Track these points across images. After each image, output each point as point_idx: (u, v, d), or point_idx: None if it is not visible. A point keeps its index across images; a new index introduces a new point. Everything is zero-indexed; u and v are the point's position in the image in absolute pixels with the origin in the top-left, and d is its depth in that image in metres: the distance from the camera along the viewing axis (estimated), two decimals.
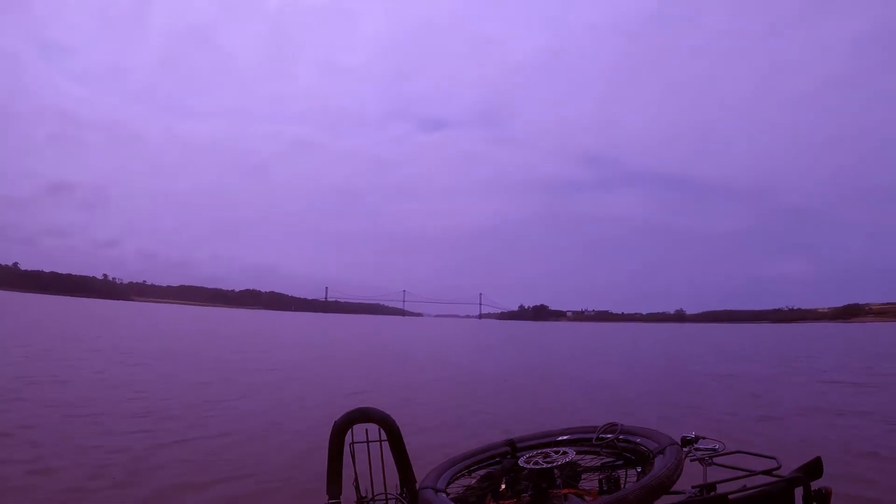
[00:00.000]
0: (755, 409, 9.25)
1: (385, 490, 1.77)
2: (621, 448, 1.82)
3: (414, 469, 1.82)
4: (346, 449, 1.72)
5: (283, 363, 15.92)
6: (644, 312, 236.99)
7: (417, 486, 1.78)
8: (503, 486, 1.76)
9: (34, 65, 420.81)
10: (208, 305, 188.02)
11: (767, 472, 1.45)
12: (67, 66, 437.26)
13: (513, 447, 2.02)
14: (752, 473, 1.46)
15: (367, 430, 1.77)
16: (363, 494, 1.76)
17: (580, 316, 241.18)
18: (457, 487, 1.87)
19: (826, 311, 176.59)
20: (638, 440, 1.78)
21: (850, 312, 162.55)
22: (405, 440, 1.80)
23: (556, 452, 1.75)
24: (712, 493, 1.42)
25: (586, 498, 1.59)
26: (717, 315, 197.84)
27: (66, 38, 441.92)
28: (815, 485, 1.36)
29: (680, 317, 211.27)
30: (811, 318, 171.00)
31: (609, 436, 1.86)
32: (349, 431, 1.73)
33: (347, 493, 1.69)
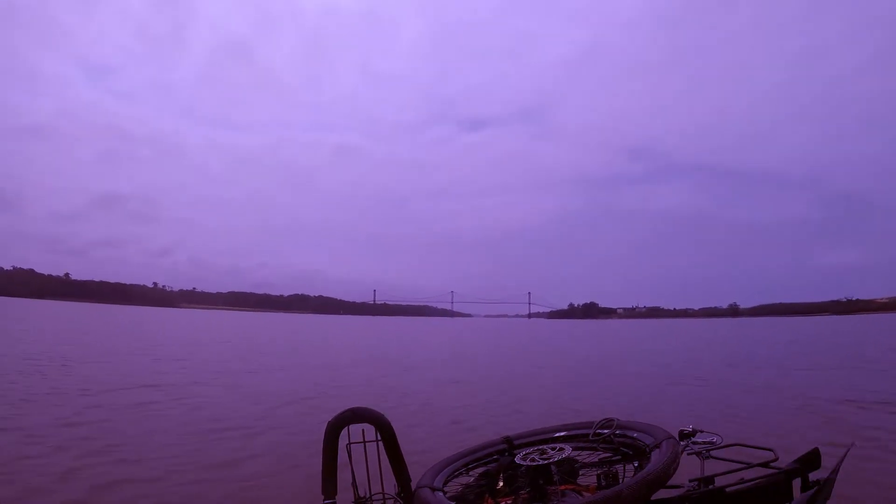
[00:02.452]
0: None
1: (382, 489, 1.78)
2: (618, 443, 1.81)
3: (412, 467, 1.82)
4: (342, 449, 1.71)
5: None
6: (696, 308, 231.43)
7: (415, 485, 1.77)
8: (501, 484, 1.75)
9: (81, 86, 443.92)
10: (257, 311, 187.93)
11: (765, 465, 1.44)
12: (113, 86, 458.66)
13: (510, 444, 2.01)
14: (750, 466, 1.45)
15: (363, 430, 1.75)
16: (361, 494, 1.76)
17: (631, 313, 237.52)
18: (454, 486, 1.86)
19: (886, 300, 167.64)
20: (635, 435, 1.77)
21: None
22: (399, 439, 1.78)
23: (553, 449, 1.75)
24: (710, 487, 1.41)
25: (584, 494, 1.58)
26: (772, 308, 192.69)
27: (109, 58, 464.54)
28: (813, 476, 1.35)
29: (734, 311, 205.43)
30: (870, 308, 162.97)
31: (606, 431, 1.85)
32: (344, 431, 1.72)
33: (342, 493, 1.68)
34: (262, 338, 29.07)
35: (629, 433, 1.79)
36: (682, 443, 1.67)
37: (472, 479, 1.89)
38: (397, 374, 13.39)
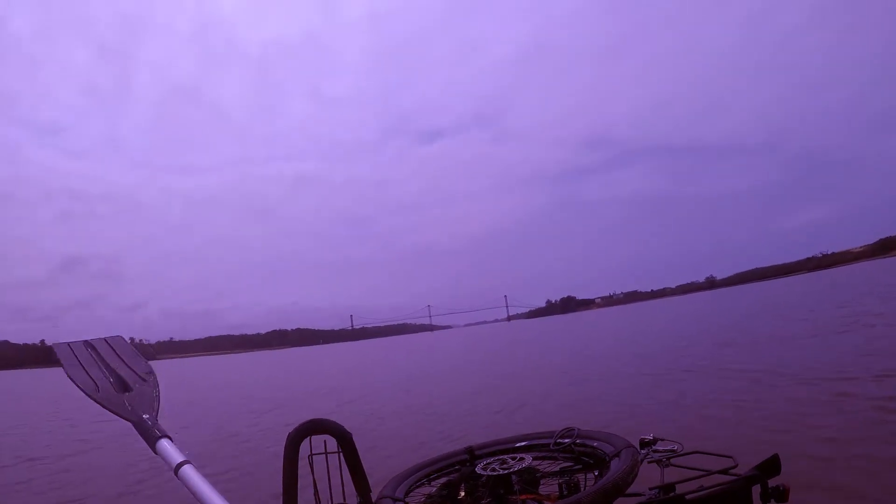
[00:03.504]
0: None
1: (344, 501, 1.71)
2: (578, 452, 1.82)
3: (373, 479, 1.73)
4: (304, 461, 1.66)
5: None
6: (673, 286, 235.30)
7: (376, 495, 1.75)
8: (462, 494, 1.73)
9: (32, 149, 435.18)
10: (237, 352, 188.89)
11: (724, 472, 1.45)
12: (64, 145, 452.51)
13: (471, 454, 1.99)
14: (710, 473, 1.45)
15: (325, 441, 1.69)
16: None
17: (609, 301, 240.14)
18: (416, 496, 1.85)
19: (860, 249, 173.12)
20: (595, 444, 1.78)
21: (886, 247, 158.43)
22: (359, 452, 1.71)
23: (514, 459, 1.75)
24: (670, 494, 1.42)
25: (545, 503, 1.55)
26: (749, 275, 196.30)
27: (57, 118, 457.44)
28: (772, 482, 1.36)
29: (711, 284, 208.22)
30: (846, 260, 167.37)
31: (566, 440, 1.86)
32: (306, 443, 1.66)
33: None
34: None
35: (589, 442, 1.81)
36: (642, 451, 1.68)
37: (433, 489, 1.86)
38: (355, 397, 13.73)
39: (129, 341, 1.75)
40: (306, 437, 1.66)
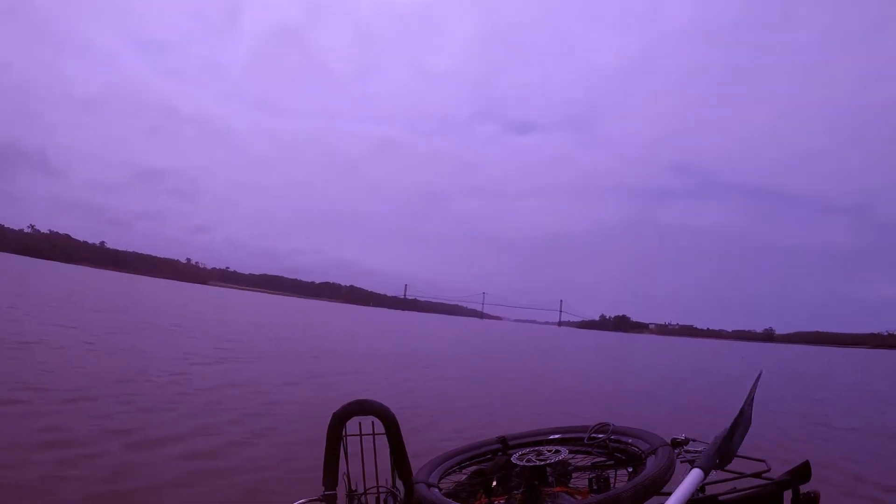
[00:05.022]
0: None
1: (377, 483, 1.77)
2: (612, 448, 1.80)
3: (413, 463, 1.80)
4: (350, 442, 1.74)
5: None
6: (729, 329, 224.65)
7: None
8: (495, 483, 1.74)
9: (133, 61, 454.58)
10: (287, 295, 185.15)
11: (757, 475, 1.47)
12: (164, 63, 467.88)
13: (504, 444, 2.00)
14: (742, 476, 1.47)
15: (359, 422, 1.76)
16: (353, 487, 1.76)
17: (663, 329, 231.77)
18: (449, 483, 1.86)
19: None
20: (629, 441, 1.77)
21: None
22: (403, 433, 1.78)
23: (550, 451, 1.72)
24: (701, 495, 1.43)
25: (577, 496, 1.57)
26: (809, 336, 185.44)
27: (163, 35, 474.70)
28: (803, 489, 1.37)
29: (768, 336, 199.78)
30: None
31: (601, 435, 1.85)
32: (348, 423, 1.72)
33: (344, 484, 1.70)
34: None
35: (624, 438, 1.78)
36: (675, 450, 1.66)
37: (465, 476, 1.87)
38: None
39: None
40: (352, 416, 1.70)
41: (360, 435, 1.77)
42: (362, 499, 1.75)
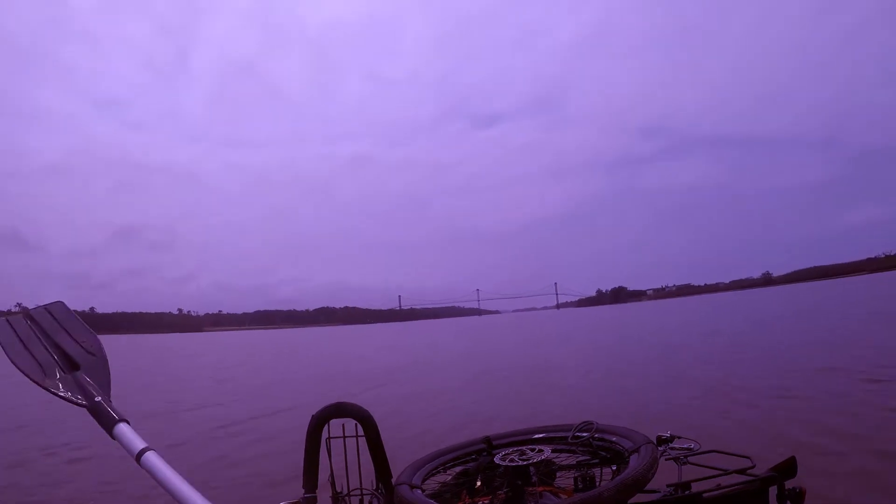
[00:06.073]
0: None
1: (361, 485, 1.78)
2: (596, 446, 1.81)
3: (392, 464, 1.79)
4: (323, 444, 1.70)
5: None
6: (727, 281, 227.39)
7: (394, 481, 1.75)
8: (479, 483, 1.75)
9: (92, 121, 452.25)
10: (284, 328, 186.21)
11: (741, 472, 1.44)
12: (123, 117, 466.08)
13: (489, 444, 2.00)
14: (727, 472, 1.45)
15: (343, 424, 1.75)
16: (338, 490, 1.76)
17: (661, 293, 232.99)
18: (433, 484, 1.85)
19: None
20: (613, 439, 1.77)
21: None
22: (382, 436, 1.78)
23: (532, 450, 1.75)
24: (686, 492, 1.42)
25: (561, 495, 1.57)
26: (808, 273, 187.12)
27: (117, 91, 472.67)
28: (788, 484, 1.37)
29: (767, 280, 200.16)
30: None
31: (584, 434, 1.85)
32: (326, 426, 1.71)
33: (324, 487, 1.68)
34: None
35: (607, 437, 1.79)
36: (659, 448, 1.65)
37: (450, 477, 1.88)
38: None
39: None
40: (331, 419, 1.68)
41: (343, 437, 1.76)
42: (347, 500, 1.77)
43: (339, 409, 1.70)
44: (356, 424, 1.72)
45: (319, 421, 1.67)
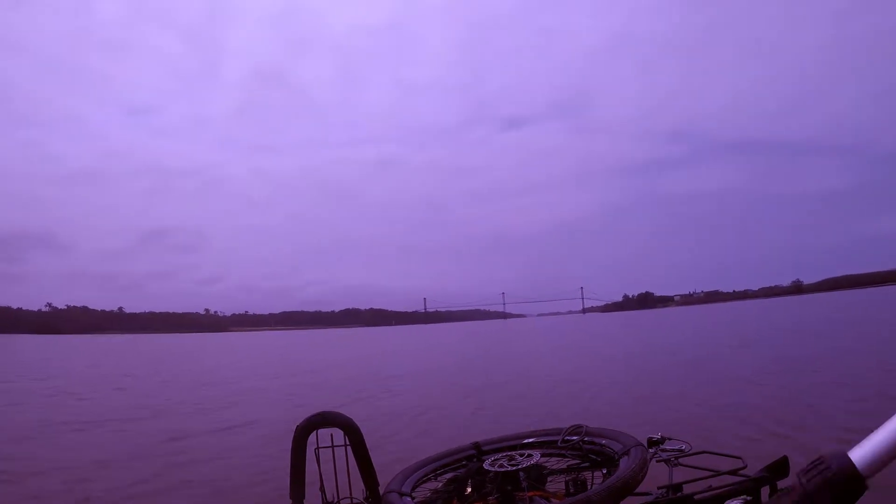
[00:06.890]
0: None
1: (350, 494, 1.75)
2: (587, 450, 1.80)
3: (380, 473, 1.80)
4: (310, 454, 1.70)
5: None
6: (755, 288, 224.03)
7: (383, 489, 1.76)
8: (469, 490, 1.72)
9: (122, 128, 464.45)
10: (309, 328, 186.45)
11: (733, 472, 1.41)
12: (152, 124, 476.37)
13: (479, 450, 1.99)
14: (718, 473, 1.42)
15: (332, 434, 1.74)
16: (329, 499, 1.73)
17: (688, 299, 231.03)
18: (423, 491, 1.83)
19: None
20: (603, 442, 1.77)
21: None
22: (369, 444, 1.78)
23: (522, 455, 1.73)
24: (678, 494, 1.39)
25: (552, 500, 1.56)
26: (839, 282, 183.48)
27: (147, 99, 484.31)
28: (781, 484, 1.30)
29: (797, 288, 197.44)
30: None
31: (574, 438, 1.84)
32: (313, 436, 1.70)
33: (310, 497, 1.67)
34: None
35: (598, 440, 1.78)
36: (650, 450, 1.64)
37: (440, 484, 1.85)
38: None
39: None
40: (315, 429, 1.68)
41: (332, 447, 1.74)
42: None
43: (324, 419, 1.69)
44: (343, 434, 1.74)
45: (304, 431, 1.66)
